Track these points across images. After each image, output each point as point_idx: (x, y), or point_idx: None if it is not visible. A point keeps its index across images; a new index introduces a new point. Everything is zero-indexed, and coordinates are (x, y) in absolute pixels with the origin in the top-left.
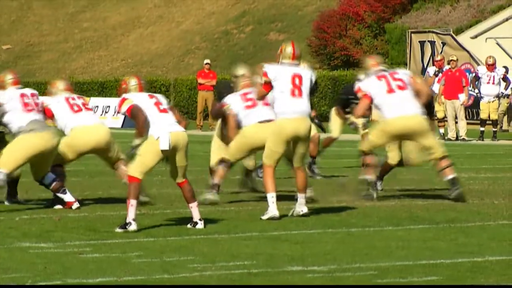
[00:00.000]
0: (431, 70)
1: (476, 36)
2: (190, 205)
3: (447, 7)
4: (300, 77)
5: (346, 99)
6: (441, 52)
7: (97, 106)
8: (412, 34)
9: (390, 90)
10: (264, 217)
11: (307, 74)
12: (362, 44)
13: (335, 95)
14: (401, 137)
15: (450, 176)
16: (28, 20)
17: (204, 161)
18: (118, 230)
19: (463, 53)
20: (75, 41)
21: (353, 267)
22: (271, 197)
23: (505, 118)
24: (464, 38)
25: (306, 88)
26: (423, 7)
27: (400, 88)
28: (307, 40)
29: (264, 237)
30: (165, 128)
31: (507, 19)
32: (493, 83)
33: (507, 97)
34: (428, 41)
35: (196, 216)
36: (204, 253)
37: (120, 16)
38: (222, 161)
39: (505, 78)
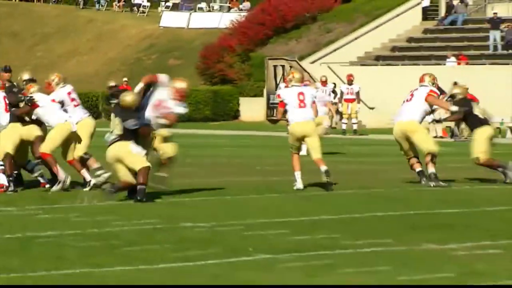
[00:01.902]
0: (282, 86)
1: (313, 62)
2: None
3: (293, 41)
4: (303, 94)
5: None
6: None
7: None
8: (269, 60)
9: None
10: (294, 188)
11: (309, 91)
12: (234, 67)
13: (214, 103)
14: None
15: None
16: None
17: None
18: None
19: (305, 74)
20: (32, 65)
21: (227, 223)
22: (297, 174)
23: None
24: (305, 63)
25: (308, 100)
26: (277, 41)
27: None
28: (195, 64)
29: (162, 203)
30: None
31: (335, 50)
32: (326, 94)
33: (336, 104)
34: (280, 65)
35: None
36: (122, 214)
37: (64, 48)
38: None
39: (334, 91)
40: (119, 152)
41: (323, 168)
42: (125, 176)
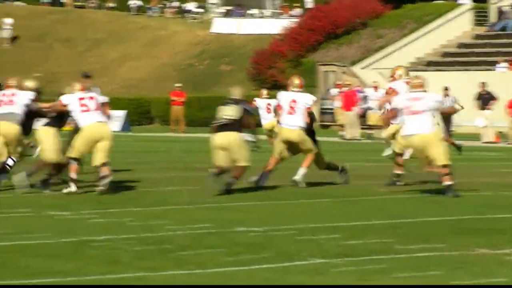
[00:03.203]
0: (333, 91)
1: (364, 67)
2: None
3: (344, 47)
4: (295, 101)
5: None
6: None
7: None
8: (320, 66)
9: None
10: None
11: (302, 98)
12: (286, 73)
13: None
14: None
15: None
16: (51, 56)
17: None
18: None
19: (355, 79)
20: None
21: (279, 228)
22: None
23: None
24: (356, 69)
25: (299, 108)
26: (328, 47)
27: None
28: (247, 70)
29: (214, 208)
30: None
31: (386, 55)
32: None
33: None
34: (331, 70)
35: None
36: (176, 218)
37: (116, 53)
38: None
39: None
40: (231, 142)
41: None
42: (222, 162)
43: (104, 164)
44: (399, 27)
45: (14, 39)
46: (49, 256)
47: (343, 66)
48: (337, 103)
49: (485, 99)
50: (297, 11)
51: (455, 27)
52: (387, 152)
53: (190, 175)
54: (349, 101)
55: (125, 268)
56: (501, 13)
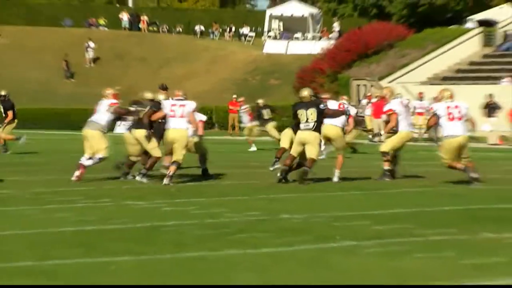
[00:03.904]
0: (364, 101)
1: (390, 81)
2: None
3: (373, 65)
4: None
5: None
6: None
7: None
8: (353, 81)
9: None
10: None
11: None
12: (325, 87)
13: None
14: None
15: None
16: (129, 72)
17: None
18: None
19: (383, 91)
20: (157, 84)
21: (318, 215)
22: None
23: None
24: (383, 82)
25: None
26: (360, 65)
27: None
28: (292, 84)
29: (265, 198)
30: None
31: (408, 72)
32: None
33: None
34: (363, 84)
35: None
36: (232, 207)
37: (184, 70)
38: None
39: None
40: (307, 138)
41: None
42: (295, 153)
43: (173, 163)
44: (420, 48)
45: (96, 59)
46: (126, 239)
47: (373, 80)
48: (368, 111)
49: (491, 108)
50: (334, 34)
51: (467, 47)
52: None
53: (246, 171)
54: (378, 110)
55: (189, 249)
56: (506, 36)
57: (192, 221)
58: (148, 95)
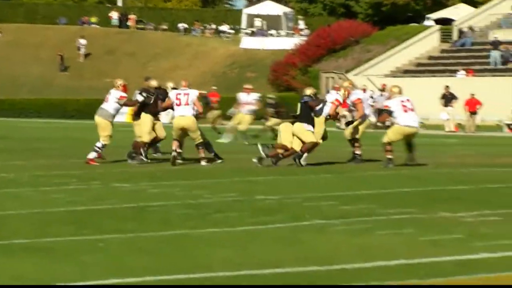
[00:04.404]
0: (332, 92)
1: (356, 74)
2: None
3: (341, 59)
4: (306, 103)
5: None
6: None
7: None
8: (323, 73)
9: None
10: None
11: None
12: (296, 79)
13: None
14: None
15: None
16: (119, 67)
17: None
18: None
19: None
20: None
21: (290, 196)
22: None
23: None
24: (350, 75)
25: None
26: (329, 59)
27: None
28: (267, 77)
29: (242, 181)
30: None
31: (373, 65)
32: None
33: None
34: (331, 77)
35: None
36: (212, 189)
37: (168, 64)
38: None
39: (371, 96)
40: (295, 130)
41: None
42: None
43: (197, 146)
44: (383, 44)
45: (88, 55)
46: (115, 218)
47: (340, 73)
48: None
49: (448, 99)
50: (306, 31)
51: (426, 43)
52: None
53: (228, 157)
54: (345, 101)
55: (174, 227)
56: (461, 33)
57: (176, 202)
58: (154, 83)
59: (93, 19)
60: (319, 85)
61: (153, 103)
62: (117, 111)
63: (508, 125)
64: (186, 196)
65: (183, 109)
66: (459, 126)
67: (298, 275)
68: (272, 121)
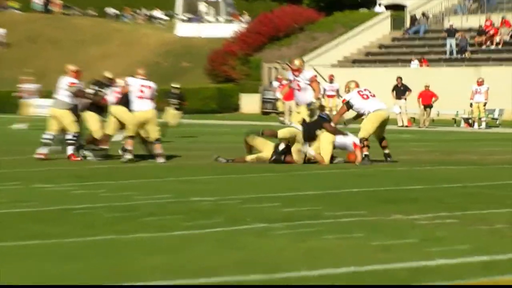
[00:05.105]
0: (275, 84)
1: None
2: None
3: (284, 48)
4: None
5: None
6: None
7: None
8: (264, 63)
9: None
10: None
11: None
12: (236, 69)
13: (219, 98)
14: None
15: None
16: (42, 55)
17: None
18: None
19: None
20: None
21: (228, 198)
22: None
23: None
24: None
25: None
26: (271, 48)
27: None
28: (204, 66)
29: (176, 181)
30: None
31: (319, 54)
32: None
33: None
34: (273, 67)
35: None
36: (143, 190)
37: (97, 52)
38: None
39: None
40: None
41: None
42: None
43: (157, 141)
44: (330, 31)
45: (7, 44)
46: (36, 222)
47: (284, 63)
48: (278, 94)
49: (400, 91)
50: (246, 18)
51: (376, 31)
52: None
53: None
54: (288, 93)
55: (100, 232)
56: (414, 20)
57: (103, 204)
58: (108, 74)
59: (13, 4)
60: (261, 76)
61: (102, 98)
62: (73, 99)
63: (466, 120)
64: (115, 197)
65: (146, 103)
66: (413, 120)
67: (237, 284)
68: (169, 114)
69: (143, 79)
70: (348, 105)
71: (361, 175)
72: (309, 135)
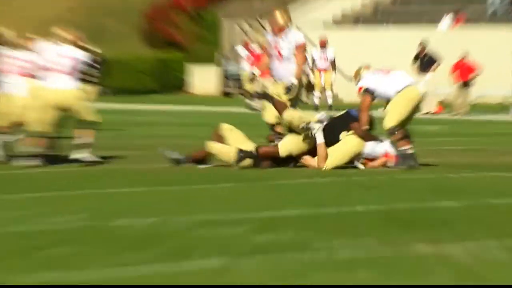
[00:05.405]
0: (241, 50)
1: None
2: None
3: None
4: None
5: None
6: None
7: None
8: (225, 20)
9: None
10: None
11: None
12: (183, 29)
13: (159, 73)
14: None
15: None
16: None
17: None
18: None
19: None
20: None
21: (172, 220)
22: None
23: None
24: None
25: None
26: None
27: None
28: (139, 27)
29: (97, 194)
30: None
31: (305, 9)
32: None
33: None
34: (240, 26)
35: None
36: (45, 209)
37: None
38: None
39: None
40: None
41: None
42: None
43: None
44: None
45: None
46: None
47: (255, 20)
48: (246, 65)
49: (425, 62)
50: None
51: None
52: None
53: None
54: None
55: None
56: None
57: None
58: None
59: None
60: (219, 38)
61: None
62: None
63: None
64: (7, 219)
65: (62, 78)
66: (443, 104)
67: None
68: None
69: (63, 43)
70: (369, 93)
71: (368, 186)
72: (330, 139)
